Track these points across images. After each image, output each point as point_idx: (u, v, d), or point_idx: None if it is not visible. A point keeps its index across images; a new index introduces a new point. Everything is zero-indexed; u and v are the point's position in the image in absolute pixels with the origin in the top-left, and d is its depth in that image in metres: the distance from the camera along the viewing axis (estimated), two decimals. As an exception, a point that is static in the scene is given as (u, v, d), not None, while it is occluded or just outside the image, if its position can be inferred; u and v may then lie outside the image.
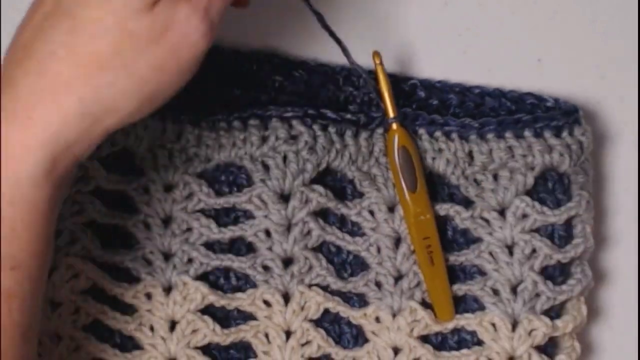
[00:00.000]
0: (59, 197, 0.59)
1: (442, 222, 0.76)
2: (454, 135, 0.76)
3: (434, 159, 0.76)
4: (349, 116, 0.76)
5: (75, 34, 0.57)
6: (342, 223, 0.77)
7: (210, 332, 0.76)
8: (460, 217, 0.76)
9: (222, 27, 0.80)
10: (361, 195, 0.76)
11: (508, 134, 0.76)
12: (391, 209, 0.76)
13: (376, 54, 0.75)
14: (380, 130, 0.76)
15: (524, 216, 0.76)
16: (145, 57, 0.58)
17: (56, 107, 0.57)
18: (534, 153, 0.75)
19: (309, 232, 0.76)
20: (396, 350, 0.76)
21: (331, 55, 0.80)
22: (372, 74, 0.76)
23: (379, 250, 0.76)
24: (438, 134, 0.76)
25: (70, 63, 0.57)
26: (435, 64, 0.82)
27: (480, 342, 0.76)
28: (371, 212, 0.76)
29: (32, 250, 0.58)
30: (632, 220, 0.82)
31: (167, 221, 0.76)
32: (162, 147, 0.76)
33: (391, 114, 0.75)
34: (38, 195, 0.57)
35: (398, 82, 0.79)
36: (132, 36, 0.57)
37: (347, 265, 0.77)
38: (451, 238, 0.77)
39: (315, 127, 0.75)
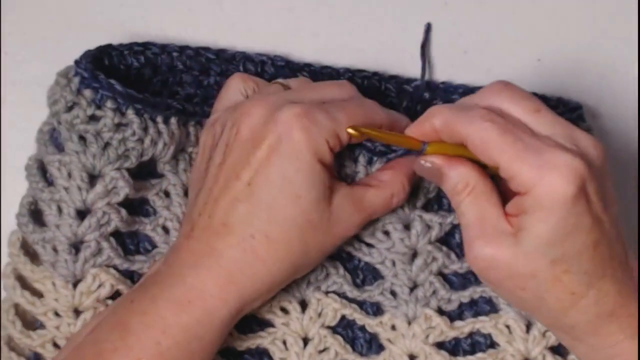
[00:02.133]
0: (228, 332, 0.72)
1: (452, 230, 0.76)
2: None
3: None
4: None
5: (271, 224, 0.69)
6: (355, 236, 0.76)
7: (228, 338, 0.74)
8: None
9: (232, 29, 0.79)
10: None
11: None
12: (406, 227, 0.75)
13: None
14: None
15: None
16: (318, 243, 0.70)
17: (252, 278, 0.70)
18: None
19: None
20: (412, 357, 0.75)
21: (334, 57, 0.80)
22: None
23: (394, 264, 0.75)
24: None
25: (266, 245, 0.69)
26: (436, 64, 0.81)
27: (494, 345, 0.76)
28: (386, 232, 0.75)
29: None
30: (633, 219, 0.83)
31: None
32: (183, 151, 0.76)
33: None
34: (220, 333, 0.70)
35: (401, 83, 0.79)
36: (314, 227, 0.70)
37: (359, 271, 0.77)
38: (461, 244, 0.75)
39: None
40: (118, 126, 0.73)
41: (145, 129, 0.73)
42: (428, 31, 0.80)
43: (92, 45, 0.77)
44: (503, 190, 0.69)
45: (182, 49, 0.77)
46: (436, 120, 0.68)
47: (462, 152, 0.68)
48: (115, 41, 0.78)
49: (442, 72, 0.81)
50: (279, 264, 0.70)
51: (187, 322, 0.69)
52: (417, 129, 0.69)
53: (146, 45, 0.77)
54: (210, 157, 0.72)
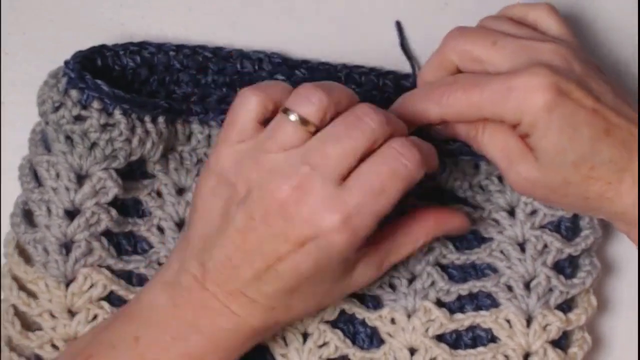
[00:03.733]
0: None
1: None
2: (465, 157, 0.76)
3: (443, 179, 0.76)
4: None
5: (292, 301, 0.69)
6: None
7: None
8: (470, 218, 0.75)
9: (226, 28, 0.79)
10: None
11: None
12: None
13: None
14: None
15: (534, 212, 0.76)
16: (325, 288, 0.70)
17: (268, 333, 0.72)
18: None
19: None
20: (412, 351, 0.75)
21: (336, 54, 0.80)
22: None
23: None
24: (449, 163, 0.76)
25: (287, 314, 0.70)
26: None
27: (495, 339, 0.76)
28: None
29: None
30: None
31: (180, 224, 0.76)
32: (174, 150, 0.76)
33: None
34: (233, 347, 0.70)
35: (399, 78, 0.79)
36: (333, 296, 0.71)
37: None
38: (461, 238, 0.77)
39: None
40: (105, 126, 0.73)
41: (132, 129, 0.73)
42: (400, 28, 0.80)
43: (92, 45, 0.77)
44: None
45: (179, 47, 0.77)
46: (415, 116, 0.71)
47: None
48: (115, 41, 0.78)
49: (441, 72, 0.81)
50: (290, 322, 0.73)
51: None
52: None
53: (142, 45, 0.77)
54: (228, 209, 0.68)
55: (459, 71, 0.72)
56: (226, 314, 0.69)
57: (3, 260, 0.77)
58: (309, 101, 0.67)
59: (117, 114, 0.73)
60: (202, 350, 0.69)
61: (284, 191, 0.66)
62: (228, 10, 0.81)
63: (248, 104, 0.69)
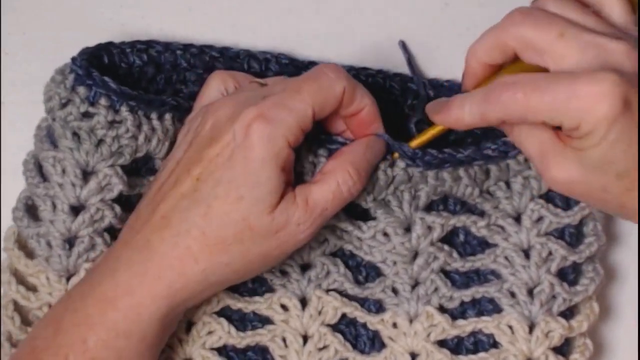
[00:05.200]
0: (166, 333, 0.71)
1: (456, 230, 0.76)
2: (475, 164, 0.76)
3: (452, 186, 0.75)
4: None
5: (208, 221, 0.68)
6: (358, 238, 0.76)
7: (226, 334, 0.75)
8: (476, 226, 0.75)
9: (226, 28, 0.79)
10: (374, 218, 0.75)
11: None
12: (407, 230, 0.75)
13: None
14: None
15: (540, 219, 0.75)
16: (257, 247, 0.69)
17: (182, 273, 0.69)
18: None
19: (325, 240, 0.75)
20: (413, 356, 0.75)
21: (338, 54, 0.79)
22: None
23: (394, 262, 0.75)
24: (461, 170, 0.75)
25: (200, 242, 0.68)
26: (436, 64, 0.81)
27: (496, 345, 0.76)
28: (385, 234, 0.75)
29: None
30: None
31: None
32: None
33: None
34: (151, 331, 0.69)
35: (406, 81, 0.79)
36: (252, 230, 0.68)
37: (362, 268, 0.76)
38: (465, 243, 0.76)
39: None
40: (112, 123, 0.73)
41: (139, 126, 0.73)
42: (405, 47, 0.79)
43: (92, 45, 0.77)
44: None
45: (186, 47, 0.77)
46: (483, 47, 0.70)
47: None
48: (115, 41, 0.78)
49: (442, 72, 0.81)
50: (213, 264, 0.69)
51: (112, 319, 0.68)
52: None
53: (149, 44, 0.77)
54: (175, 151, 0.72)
55: (515, 56, 0.70)
56: (144, 247, 0.69)
57: (3, 256, 0.77)
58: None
59: (124, 111, 0.73)
60: (113, 294, 0.69)
61: (220, 102, 0.70)
62: (228, 10, 0.81)
63: (216, 80, 0.75)
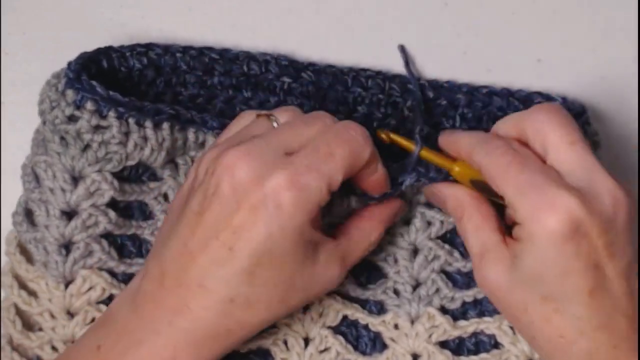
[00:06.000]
0: None
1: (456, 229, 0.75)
2: None
3: None
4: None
5: (252, 289, 0.67)
6: None
7: None
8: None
9: (227, 28, 0.79)
10: None
11: None
12: (406, 222, 0.75)
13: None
14: None
15: None
16: (300, 301, 0.70)
17: (227, 340, 0.69)
18: None
19: None
20: (415, 357, 0.75)
21: (339, 56, 0.80)
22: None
23: (395, 260, 0.75)
24: None
25: (246, 310, 0.68)
26: (435, 64, 0.81)
27: (498, 345, 0.76)
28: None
29: None
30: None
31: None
32: (185, 155, 0.76)
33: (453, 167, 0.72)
34: None
35: (405, 82, 0.79)
36: (297, 289, 0.68)
37: (363, 269, 0.76)
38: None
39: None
40: (97, 128, 0.72)
41: (127, 133, 0.73)
42: (404, 51, 0.80)
43: (93, 45, 0.77)
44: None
45: (185, 49, 0.77)
46: (459, 147, 0.70)
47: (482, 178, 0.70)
48: (115, 41, 0.78)
49: (442, 73, 0.81)
50: (256, 325, 0.69)
51: None
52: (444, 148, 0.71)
53: (149, 47, 0.77)
54: (187, 200, 0.69)
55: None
56: (183, 312, 0.68)
57: (4, 259, 0.77)
58: (285, 110, 0.71)
59: (111, 117, 0.72)
60: (159, 353, 0.68)
61: (233, 157, 0.67)
62: (228, 10, 0.80)
63: (241, 117, 0.72)
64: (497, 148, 0.68)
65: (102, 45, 0.77)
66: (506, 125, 0.71)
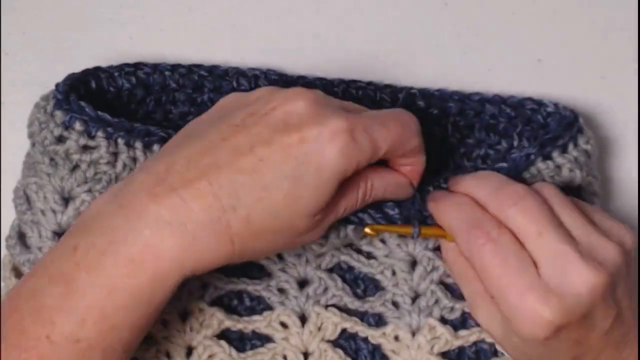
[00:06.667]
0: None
1: None
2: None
3: None
4: None
5: (259, 206, 0.65)
6: (353, 244, 0.76)
7: (227, 357, 0.75)
8: None
9: (232, 30, 0.79)
10: None
11: (525, 173, 0.74)
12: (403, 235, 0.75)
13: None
14: None
15: None
16: (285, 245, 0.68)
17: (214, 252, 0.65)
18: (545, 178, 0.74)
19: (322, 254, 0.75)
20: (417, 368, 0.76)
21: (328, 69, 0.79)
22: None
23: (393, 273, 0.75)
24: None
25: (242, 224, 0.65)
26: (435, 64, 0.81)
27: (497, 353, 0.76)
28: (382, 240, 0.75)
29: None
30: (633, 219, 0.83)
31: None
32: None
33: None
34: (165, 301, 0.66)
35: (396, 92, 0.79)
36: (292, 228, 0.67)
37: (360, 280, 0.76)
38: None
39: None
40: (85, 148, 0.72)
41: (115, 154, 0.73)
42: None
43: (93, 45, 0.77)
44: None
45: (174, 67, 0.77)
46: (445, 224, 0.71)
47: None
48: (115, 41, 0.78)
49: (442, 73, 0.81)
50: (244, 249, 0.66)
51: (137, 284, 0.64)
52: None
53: (137, 66, 0.77)
54: (229, 112, 0.67)
55: None
56: (176, 206, 0.64)
57: (4, 260, 0.77)
58: None
59: (100, 137, 0.72)
60: (141, 253, 0.65)
61: (296, 92, 0.67)
62: (228, 10, 0.81)
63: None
64: (477, 238, 0.68)
65: (101, 45, 0.77)
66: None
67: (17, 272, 0.76)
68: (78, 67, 0.76)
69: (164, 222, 0.64)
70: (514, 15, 0.81)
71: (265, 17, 0.80)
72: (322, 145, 0.65)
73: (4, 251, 0.77)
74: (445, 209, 0.71)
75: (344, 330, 0.75)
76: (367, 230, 0.71)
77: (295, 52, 0.80)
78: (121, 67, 0.76)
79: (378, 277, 0.75)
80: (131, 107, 0.76)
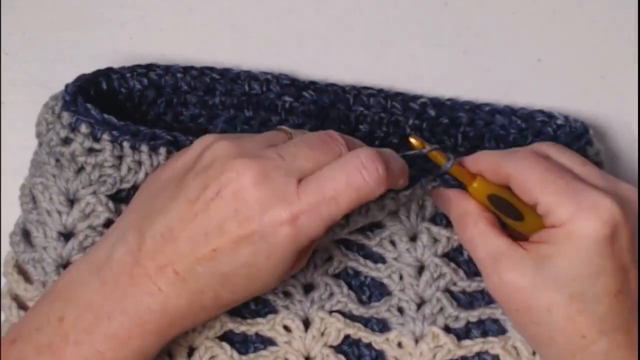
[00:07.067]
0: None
1: (460, 247, 0.75)
2: None
3: None
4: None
5: (225, 287, 0.68)
6: (362, 248, 0.76)
7: (228, 359, 0.75)
8: None
9: (232, 30, 0.79)
10: (382, 225, 0.76)
11: None
12: (413, 239, 0.75)
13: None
14: None
15: None
16: (258, 285, 0.69)
17: (194, 322, 0.70)
18: None
19: (330, 258, 0.76)
20: (419, 376, 0.76)
21: (340, 75, 0.80)
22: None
23: (401, 277, 0.75)
24: None
25: (215, 302, 0.69)
26: (435, 64, 0.81)
27: (499, 365, 0.76)
28: (392, 243, 0.75)
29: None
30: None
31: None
32: None
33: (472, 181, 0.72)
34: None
35: (407, 100, 0.79)
36: (267, 287, 0.70)
37: (366, 287, 0.77)
38: (469, 261, 0.76)
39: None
40: (90, 150, 0.73)
41: (120, 157, 0.73)
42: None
43: (93, 45, 0.77)
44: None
45: (186, 69, 0.77)
46: (482, 161, 0.70)
47: (502, 193, 0.70)
48: (115, 41, 0.78)
49: (442, 73, 0.81)
50: (221, 311, 0.71)
51: (123, 356, 0.68)
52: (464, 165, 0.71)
53: (149, 67, 0.77)
54: (184, 178, 0.69)
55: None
56: (154, 293, 0.67)
57: (4, 260, 0.77)
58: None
59: (105, 140, 0.72)
60: (126, 331, 0.68)
61: (246, 167, 0.66)
62: (228, 10, 0.80)
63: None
64: (526, 158, 0.69)
65: (101, 45, 0.77)
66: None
67: (20, 269, 0.76)
68: (78, 67, 0.76)
69: (145, 307, 0.68)
70: (514, 15, 0.81)
71: (265, 17, 0.80)
72: (268, 238, 0.66)
73: (4, 250, 0.77)
74: (480, 153, 0.71)
75: (347, 336, 0.76)
76: (412, 140, 0.70)
77: (295, 52, 0.80)
78: (133, 69, 0.76)
79: (385, 280, 0.76)
80: (142, 109, 0.77)
